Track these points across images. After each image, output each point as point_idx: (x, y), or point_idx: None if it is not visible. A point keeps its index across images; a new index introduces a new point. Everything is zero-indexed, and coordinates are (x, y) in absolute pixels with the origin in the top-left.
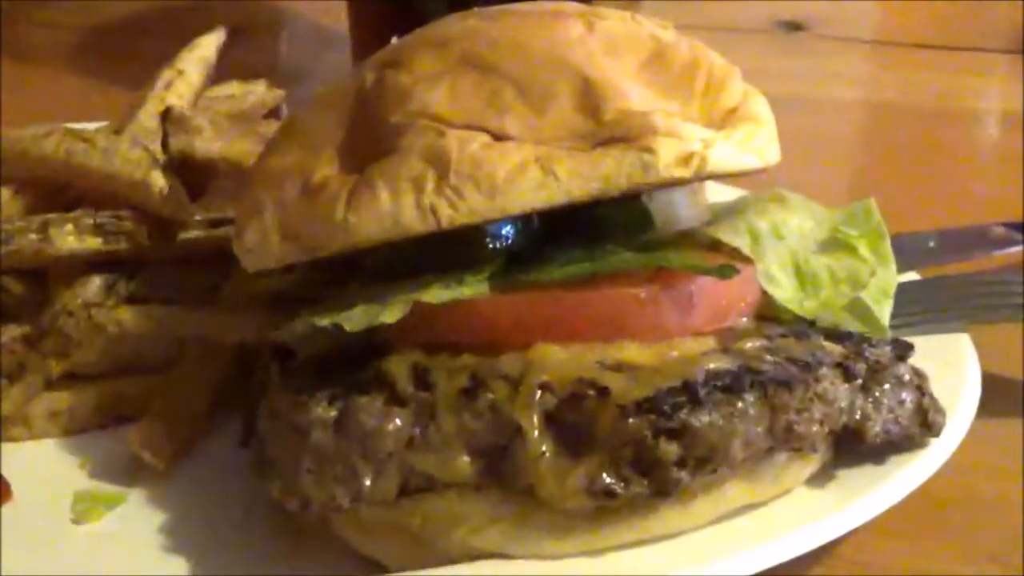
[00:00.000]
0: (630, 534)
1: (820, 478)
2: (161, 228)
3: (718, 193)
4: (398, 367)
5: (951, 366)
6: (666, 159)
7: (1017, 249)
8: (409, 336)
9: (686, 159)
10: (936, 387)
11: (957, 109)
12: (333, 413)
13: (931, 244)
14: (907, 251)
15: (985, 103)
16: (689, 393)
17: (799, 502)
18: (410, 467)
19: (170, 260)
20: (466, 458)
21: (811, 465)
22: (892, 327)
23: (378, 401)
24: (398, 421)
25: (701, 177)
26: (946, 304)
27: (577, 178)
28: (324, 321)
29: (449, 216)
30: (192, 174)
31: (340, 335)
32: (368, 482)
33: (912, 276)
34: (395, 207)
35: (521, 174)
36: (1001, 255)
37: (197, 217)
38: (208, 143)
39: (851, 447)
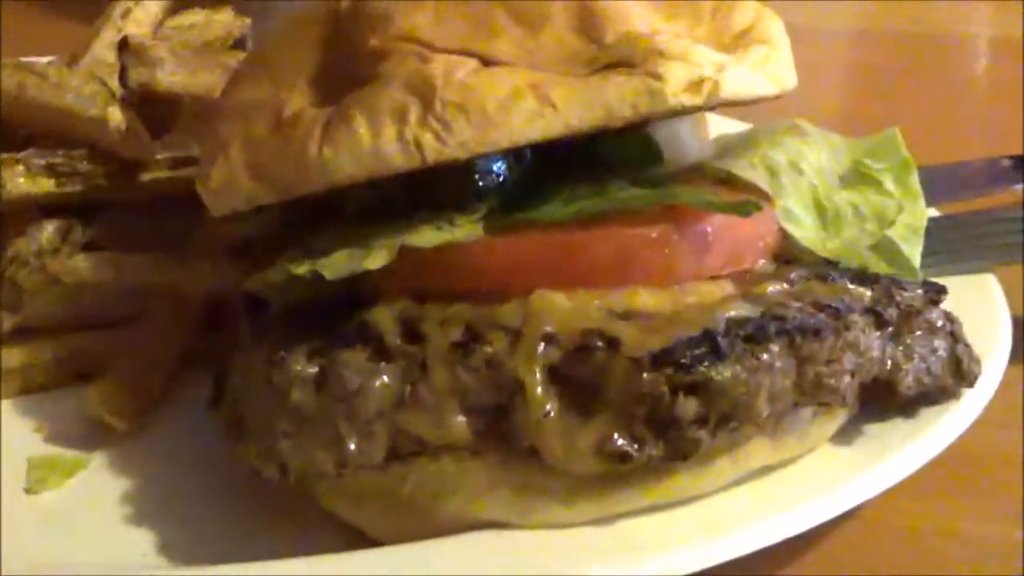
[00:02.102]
0: (644, 499)
1: (846, 434)
2: (120, 168)
3: (719, 127)
4: (385, 318)
5: (980, 308)
6: (675, 85)
7: None
8: (397, 284)
9: (697, 85)
10: (966, 332)
11: (952, 34)
12: (313, 370)
13: (946, 178)
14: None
15: (981, 29)
16: (709, 343)
17: (825, 462)
18: (400, 429)
19: (131, 204)
20: (461, 418)
21: (837, 420)
22: None
23: (363, 356)
24: (385, 378)
25: (713, 105)
26: (965, 243)
27: (576, 107)
28: (302, 269)
29: (435, 150)
30: (153, 110)
31: (320, 284)
32: (353, 446)
33: (930, 212)
34: (375, 141)
35: (514, 103)
36: (1018, 190)
37: (160, 156)
38: (170, 75)
39: (880, 400)
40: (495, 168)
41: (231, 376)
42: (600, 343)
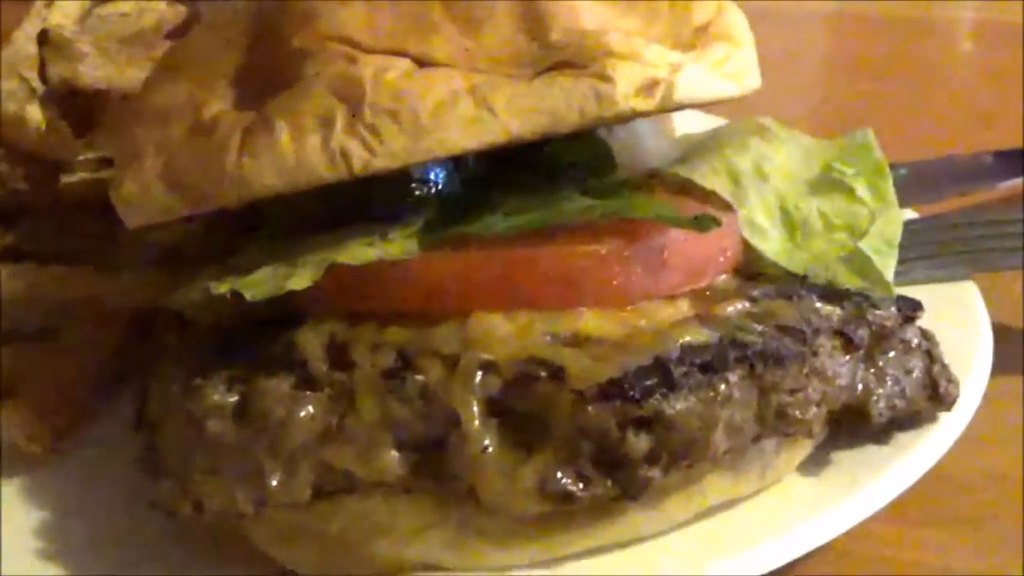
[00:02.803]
0: (591, 540)
1: (814, 464)
2: (41, 170)
3: (689, 122)
4: (311, 342)
5: (959, 323)
6: (625, 88)
7: (1018, 181)
8: (327, 303)
9: (649, 87)
10: (943, 348)
11: (935, 18)
12: (233, 399)
13: (926, 176)
14: (898, 184)
15: (965, 13)
16: (661, 373)
17: (791, 495)
18: (326, 464)
19: (52, 209)
20: (393, 453)
21: (804, 449)
22: None
23: (287, 384)
24: (311, 408)
25: (668, 108)
26: (946, 247)
27: (518, 112)
28: (222, 288)
29: (363, 160)
30: (78, 107)
31: (243, 303)
32: (275, 482)
33: (908, 214)
34: (298, 150)
35: (450, 108)
36: (1005, 187)
37: (84, 157)
38: (94, 70)
39: (850, 426)
40: (433, 177)
41: (149, 401)
42: (543, 373)
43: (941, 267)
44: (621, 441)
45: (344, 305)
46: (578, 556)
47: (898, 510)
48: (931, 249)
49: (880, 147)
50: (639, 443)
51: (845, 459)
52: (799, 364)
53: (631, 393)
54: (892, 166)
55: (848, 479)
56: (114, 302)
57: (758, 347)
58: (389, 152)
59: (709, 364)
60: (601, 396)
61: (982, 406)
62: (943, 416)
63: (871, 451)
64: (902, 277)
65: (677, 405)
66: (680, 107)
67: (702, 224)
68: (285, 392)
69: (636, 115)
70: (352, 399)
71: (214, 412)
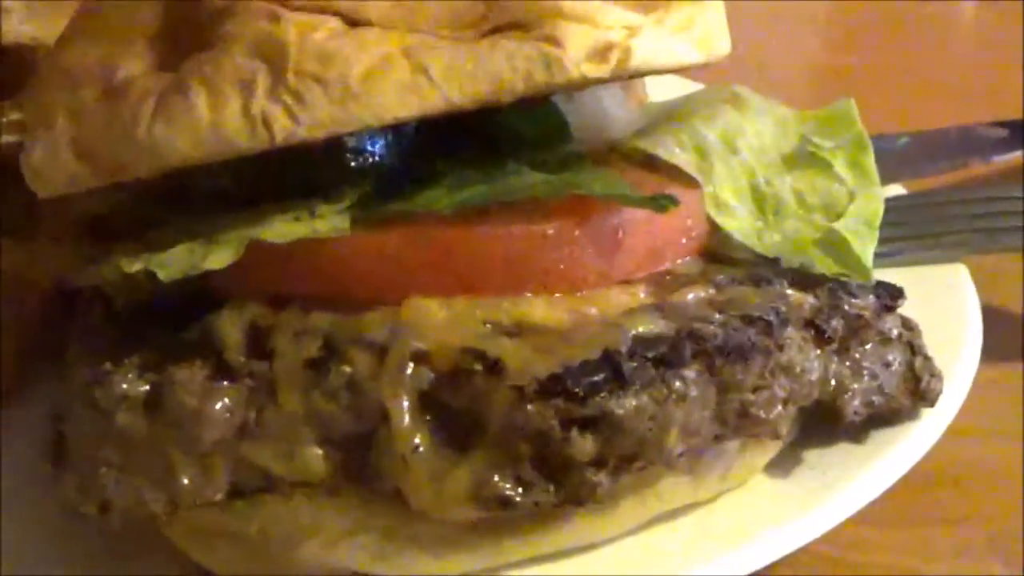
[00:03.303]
0: (535, 548)
1: (783, 464)
2: None
3: (670, 89)
4: (230, 327)
5: (946, 309)
6: (576, 53)
7: (1016, 154)
8: (251, 285)
9: (603, 52)
10: (928, 338)
11: None
12: (143, 388)
13: (916, 148)
14: (887, 158)
15: None
16: (610, 368)
17: (756, 498)
18: (243, 461)
19: None
20: (316, 451)
21: (770, 450)
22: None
23: (202, 373)
24: (227, 400)
25: (622, 76)
26: (937, 226)
27: (458, 78)
28: (135, 266)
29: (286, 129)
30: (2, 65)
31: (159, 283)
32: (187, 481)
33: (896, 190)
34: (215, 117)
35: (383, 73)
36: (1000, 161)
37: (8, 119)
38: (17, 25)
39: (823, 423)
40: (369, 148)
41: (58, 387)
42: (479, 366)
43: (930, 248)
44: (564, 442)
45: (268, 287)
46: (520, 565)
47: (868, 508)
48: (919, 228)
49: (871, 119)
50: (584, 445)
51: (817, 458)
52: (763, 358)
53: (575, 390)
54: (890, 135)
55: (819, 481)
56: (31, 275)
57: (718, 340)
58: (315, 120)
59: (663, 358)
60: (542, 392)
61: (972, 397)
62: (925, 412)
63: (846, 450)
64: (886, 260)
65: (626, 403)
66: (638, 74)
67: (659, 204)
68: (199, 383)
69: (588, 83)
70: (273, 391)
71: (122, 403)
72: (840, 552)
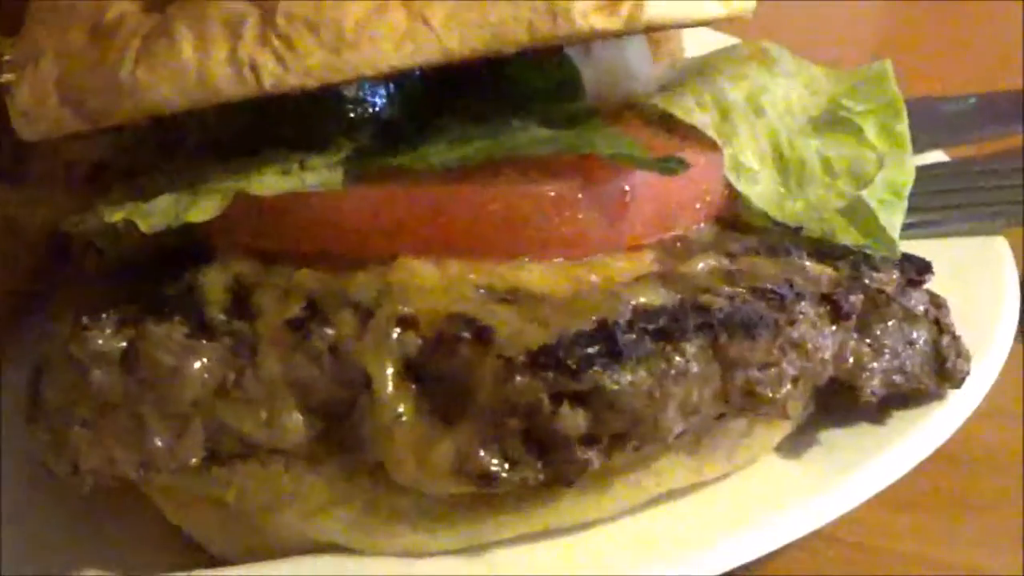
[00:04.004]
0: (524, 526)
1: (797, 444)
2: None
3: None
4: (214, 283)
5: (981, 285)
6: (583, 3)
7: None
8: (240, 240)
9: (612, 3)
10: (960, 315)
11: None
12: (120, 345)
13: (963, 112)
14: (930, 121)
15: None
16: (605, 340)
17: (765, 480)
18: (220, 425)
19: None
20: (297, 417)
21: (782, 429)
22: (904, 228)
23: (181, 331)
24: (205, 360)
25: (636, 28)
26: (977, 196)
27: (457, 27)
28: (116, 216)
29: (275, 76)
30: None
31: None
32: (160, 443)
33: (937, 156)
34: (201, 62)
35: (378, 19)
36: None
37: (9, 58)
38: None
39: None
40: (368, 98)
41: (39, 340)
42: (467, 333)
43: (969, 219)
44: (553, 417)
45: (257, 243)
46: (508, 543)
47: (894, 491)
48: (959, 198)
49: (910, 76)
50: (575, 420)
51: (834, 439)
52: (772, 334)
53: (567, 362)
54: (958, 97)
55: (833, 464)
56: (25, 221)
57: (724, 313)
58: (305, 68)
59: (663, 331)
60: (531, 364)
61: (1009, 377)
62: (951, 394)
63: (864, 431)
64: (921, 230)
65: (621, 378)
66: (654, 27)
67: (668, 166)
68: (178, 340)
69: (598, 35)
70: (253, 352)
71: (98, 359)
72: (862, 537)
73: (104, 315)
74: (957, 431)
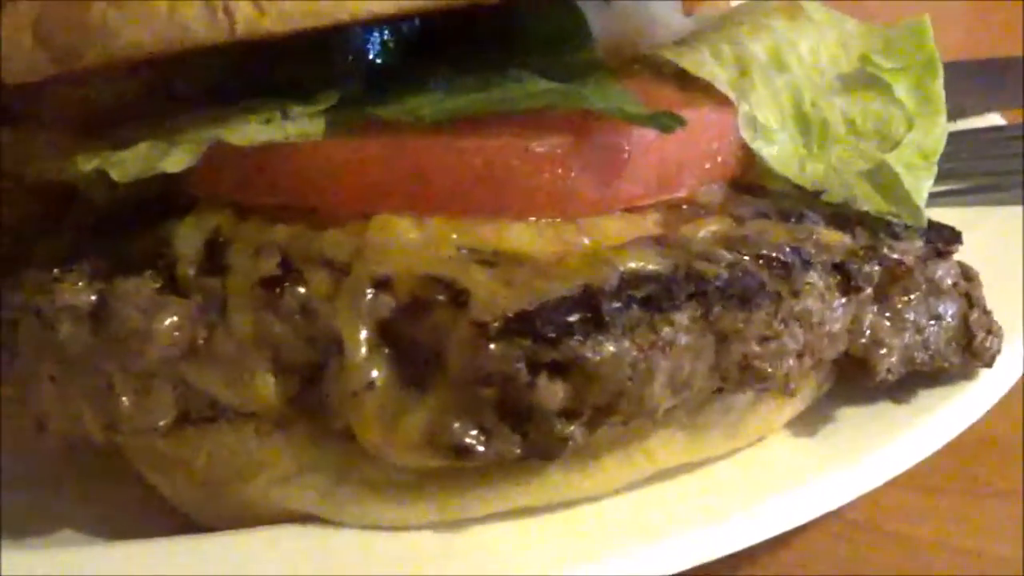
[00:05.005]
0: (506, 502)
1: (810, 422)
2: None
3: None
4: (188, 238)
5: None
6: None
7: None
8: (218, 192)
9: None
10: (994, 289)
11: None
12: (90, 299)
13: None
14: (992, 82)
15: None
16: (588, 308)
17: (772, 459)
18: (189, 386)
19: None
20: (267, 378)
21: (791, 406)
22: (943, 195)
23: (151, 287)
24: (175, 318)
25: None
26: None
27: None
28: (89, 165)
29: (249, 21)
30: None
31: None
32: (127, 402)
33: (994, 119)
34: (173, 4)
35: None
36: None
37: None
38: None
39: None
40: (359, 44)
41: (11, 292)
42: (442, 296)
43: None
44: (530, 389)
45: (236, 196)
46: (489, 519)
47: (915, 473)
48: (1009, 164)
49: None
50: (553, 392)
51: (849, 418)
52: (773, 305)
53: (545, 330)
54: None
55: (846, 444)
56: (21, 169)
57: (720, 281)
58: (281, 12)
59: (652, 299)
60: (507, 331)
61: None
62: (982, 373)
63: (883, 410)
64: (960, 197)
65: (603, 348)
66: None
67: (663, 122)
68: (147, 296)
69: None
70: (224, 310)
71: (66, 313)
72: (880, 520)
73: (75, 268)
74: (1002, 414)
